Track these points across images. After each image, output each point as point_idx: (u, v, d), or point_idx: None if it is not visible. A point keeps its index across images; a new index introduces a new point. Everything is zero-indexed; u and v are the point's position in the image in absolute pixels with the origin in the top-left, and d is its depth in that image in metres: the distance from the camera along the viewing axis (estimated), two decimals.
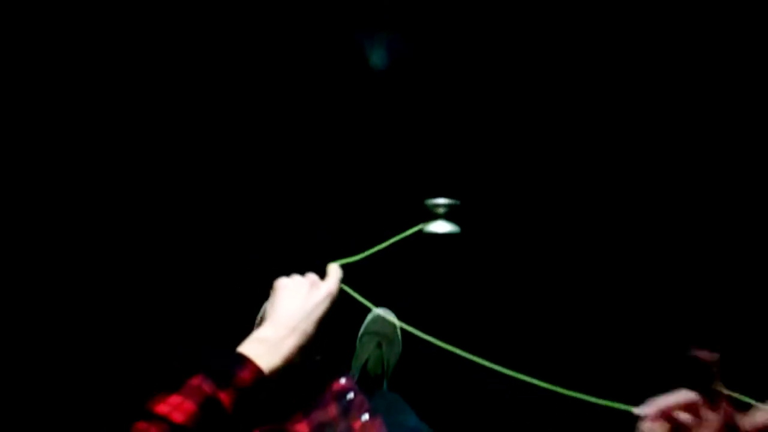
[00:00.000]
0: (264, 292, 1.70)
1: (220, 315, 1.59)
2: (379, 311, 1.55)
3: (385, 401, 1.22)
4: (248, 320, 1.56)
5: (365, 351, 1.45)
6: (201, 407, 0.63)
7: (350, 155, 1.73)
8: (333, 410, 0.85)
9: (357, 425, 0.86)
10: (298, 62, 1.77)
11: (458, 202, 0.76)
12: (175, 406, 0.63)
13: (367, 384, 1.43)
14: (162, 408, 0.63)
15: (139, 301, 1.61)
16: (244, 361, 0.69)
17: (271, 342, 0.72)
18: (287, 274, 1.60)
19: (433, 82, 1.77)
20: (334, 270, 0.83)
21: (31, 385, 1.53)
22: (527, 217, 1.69)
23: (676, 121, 1.74)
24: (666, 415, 0.56)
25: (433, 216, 0.78)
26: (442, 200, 0.76)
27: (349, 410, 0.86)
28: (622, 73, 1.75)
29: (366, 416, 0.87)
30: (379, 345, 1.45)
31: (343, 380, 0.91)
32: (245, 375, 0.68)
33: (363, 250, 0.85)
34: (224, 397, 0.65)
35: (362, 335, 1.51)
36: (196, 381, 0.66)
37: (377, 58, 1.75)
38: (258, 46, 1.76)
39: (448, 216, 0.77)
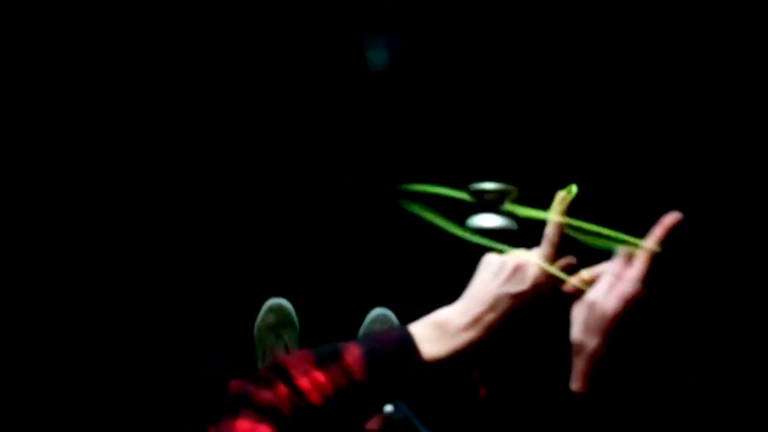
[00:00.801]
0: (264, 293, 1.69)
1: (220, 315, 1.59)
2: (379, 311, 1.55)
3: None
4: (248, 320, 1.56)
5: None
6: (338, 392, 0.58)
7: (352, 152, 1.73)
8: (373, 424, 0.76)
9: None
10: (298, 61, 1.77)
11: (515, 188, 0.60)
12: (316, 386, 0.58)
13: None
14: (304, 383, 0.58)
15: (139, 301, 1.61)
16: (411, 348, 0.61)
17: (447, 330, 0.63)
18: (286, 274, 1.59)
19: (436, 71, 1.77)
20: (536, 255, 0.64)
21: (31, 385, 1.53)
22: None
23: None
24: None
25: (480, 205, 0.62)
26: (491, 185, 0.60)
27: (391, 429, 0.79)
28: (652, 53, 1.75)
29: None
30: None
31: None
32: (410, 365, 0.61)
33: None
34: (368, 380, 0.59)
35: (362, 335, 1.51)
36: (350, 358, 0.59)
37: (377, 58, 1.75)
38: (258, 46, 1.76)
39: (499, 206, 0.61)
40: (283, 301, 1.54)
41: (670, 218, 0.62)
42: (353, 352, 0.60)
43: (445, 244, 0.72)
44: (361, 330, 1.52)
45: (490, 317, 0.63)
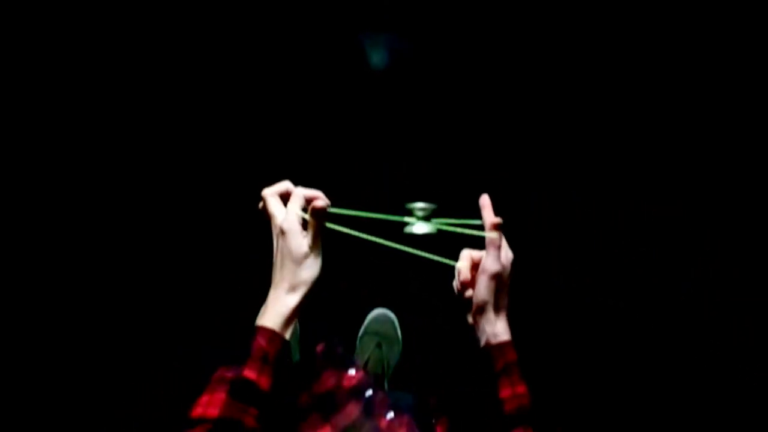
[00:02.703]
0: (264, 293, 1.69)
1: (220, 315, 1.59)
2: (379, 311, 1.55)
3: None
4: (248, 320, 1.56)
5: (365, 351, 1.45)
6: (230, 394, 0.64)
7: (351, 152, 1.73)
8: (354, 410, 0.83)
9: (383, 424, 0.83)
10: (299, 61, 1.77)
11: (436, 206, 0.81)
12: (206, 404, 0.64)
13: None
14: (196, 411, 0.64)
15: (140, 301, 1.61)
16: (255, 329, 0.70)
17: (269, 302, 0.73)
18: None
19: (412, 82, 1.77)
20: (268, 197, 0.77)
21: (31, 385, 1.53)
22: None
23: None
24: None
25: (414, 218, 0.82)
26: (421, 204, 0.81)
27: (372, 409, 0.84)
28: (624, 72, 1.75)
29: (391, 414, 0.85)
30: (378, 345, 1.45)
31: (352, 371, 0.88)
32: (260, 342, 0.69)
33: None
34: (250, 373, 0.66)
35: (362, 335, 1.51)
36: (218, 374, 0.67)
37: (377, 58, 1.75)
38: (259, 46, 1.76)
39: (427, 219, 0.81)
40: None
41: (484, 200, 0.76)
42: (218, 370, 0.68)
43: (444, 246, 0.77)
44: (362, 330, 1.53)
45: (279, 275, 0.72)
